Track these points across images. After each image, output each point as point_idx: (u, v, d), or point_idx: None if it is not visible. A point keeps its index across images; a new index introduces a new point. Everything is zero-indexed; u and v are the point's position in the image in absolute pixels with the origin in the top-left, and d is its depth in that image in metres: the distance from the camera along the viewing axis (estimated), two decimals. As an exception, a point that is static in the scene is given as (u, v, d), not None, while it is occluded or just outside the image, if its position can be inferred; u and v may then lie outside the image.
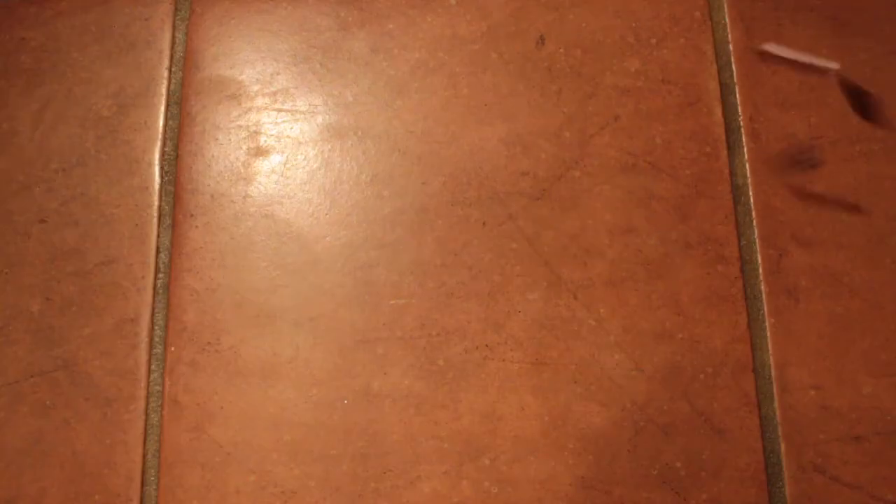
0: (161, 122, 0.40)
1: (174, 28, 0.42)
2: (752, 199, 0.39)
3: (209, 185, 0.40)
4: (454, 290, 0.38)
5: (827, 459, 0.36)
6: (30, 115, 0.40)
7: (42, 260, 0.39)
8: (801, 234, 0.38)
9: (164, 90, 0.41)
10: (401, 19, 0.42)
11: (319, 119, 0.41)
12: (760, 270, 0.38)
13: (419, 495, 0.35)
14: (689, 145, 0.40)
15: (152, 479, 0.36)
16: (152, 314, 0.38)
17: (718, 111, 0.40)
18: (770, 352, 0.37)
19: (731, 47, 0.41)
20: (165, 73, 0.41)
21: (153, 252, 0.39)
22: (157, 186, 0.39)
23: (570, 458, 0.36)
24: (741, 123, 0.40)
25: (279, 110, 0.41)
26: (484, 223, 0.39)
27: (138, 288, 0.38)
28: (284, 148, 0.40)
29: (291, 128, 0.41)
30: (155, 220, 0.39)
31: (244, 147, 0.40)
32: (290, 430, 0.36)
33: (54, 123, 0.40)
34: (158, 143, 0.40)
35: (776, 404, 0.36)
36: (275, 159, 0.40)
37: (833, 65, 0.29)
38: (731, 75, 0.41)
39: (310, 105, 0.41)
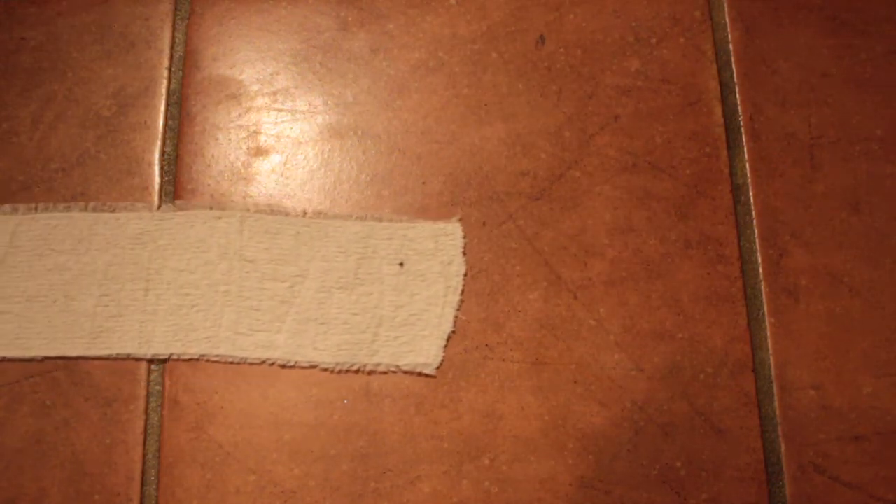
0: (161, 122, 0.40)
1: (174, 28, 0.42)
2: (752, 199, 0.39)
3: (209, 185, 0.40)
4: (454, 290, 0.38)
5: (827, 459, 0.36)
6: (30, 115, 0.41)
7: (42, 260, 0.39)
8: (801, 234, 0.38)
9: (164, 90, 0.41)
10: (401, 19, 0.42)
11: (319, 119, 0.41)
12: (760, 270, 0.38)
13: (419, 495, 0.35)
14: (689, 145, 0.40)
15: (152, 479, 0.36)
16: (152, 314, 0.38)
17: (718, 111, 0.40)
18: (770, 351, 0.37)
19: (731, 47, 0.41)
20: (165, 73, 0.41)
21: (153, 252, 0.39)
22: (157, 186, 0.40)
23: (570, 457, 0.36)
24: (741, 123, 0.40)
25: (279, 110, 0.41)
26: (484, 223, 0.39)
27: (138, 288, 0.38)
28: (284, 148, 0.40)
29: (291, 128, 0.41)
30: (155, 220, 0.39)
31: (244, 147, 0.40)
32: (290, 430, 0.36)
33: (54, 123, 0.40)
34: (158, 143, 0.40)
35: (776, 404, 0.36)
36: (275, 159, 0.40)
37: None
38: (731, 75, 0.41)
39: (310, 105, 0.41)
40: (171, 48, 0.42)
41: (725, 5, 0.42)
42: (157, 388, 0.37)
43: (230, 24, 0.42)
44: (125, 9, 0.42)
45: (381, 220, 0.37)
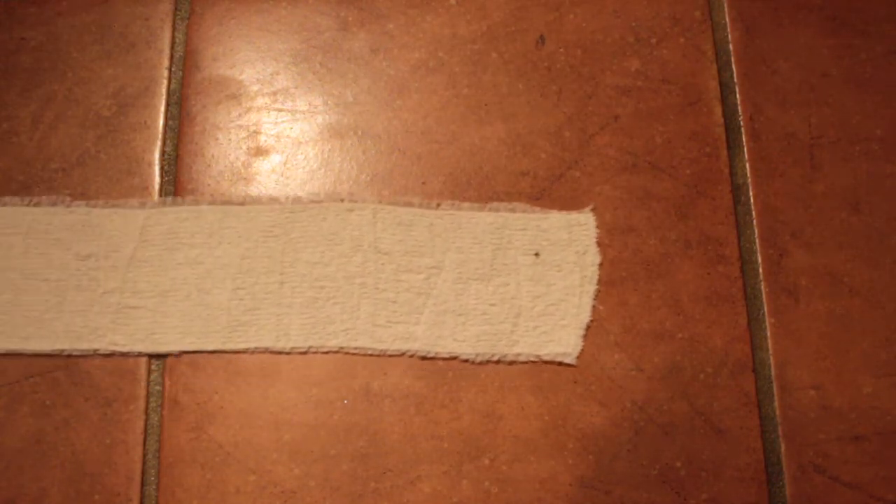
0: (161, 122, 0.40)
1: (174, 28, 0.42)
2: (752, 199, 0.39)
3: (209, 185, 0.40)
4: (454, 290, 0.38)
5: (827, 459, 0.36)
6: (30, 115, 0.41)
7: (42, 260, 0.39)
8: (801, 234, 0.39)
9: (164, 90, 0.41)
10: (401, 19, 0.42)
11: (319, 119, 0.41)
12: (760, 270, 0.38)
13: (419, 495, 0.35)
14: (689, 145, 0.40)
15: (152, 479, 0.36)
16: (152, 314, 0.38)
17: (718, 111, 0.40)
18: (770, 352, 0.37)
19: (731, 47, 0.41)
20: (165, 73, 0.41)
21: (153, 252, 0.39)
22: (157, 186, 0.40)
23: (570, 457, 0.36)
24: (741, 123, 0.40)
25: (279, 110, 0.41)
26: (484, 223, 0.39)
27: (138, 288, 0.38)
28: (284, 148, 0.40)
29: (291, 128, 0.41)
30: (155, 220, 0.39)
31: (244, 147, 0.40)
32: (290, 430, 0.36)
33: (54, 123, 0.40)
34: (158, 143, 0.40)
35: (776, 404, 0.36)
36: (275, 159, 0.40)
37: None
38: (731, 75, 0.41)
39: (310, 105, 0.41)
40: (171, 48, 0.42)
41: (725, 5, 0.42)
42: (157, 388, 0.37)
43: (230, 24, 0.42)
44: (125, 9, 0.42)
45: (514, 210, 0.38)
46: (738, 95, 0.40)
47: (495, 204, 0.38)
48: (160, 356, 0.37)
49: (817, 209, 0.39)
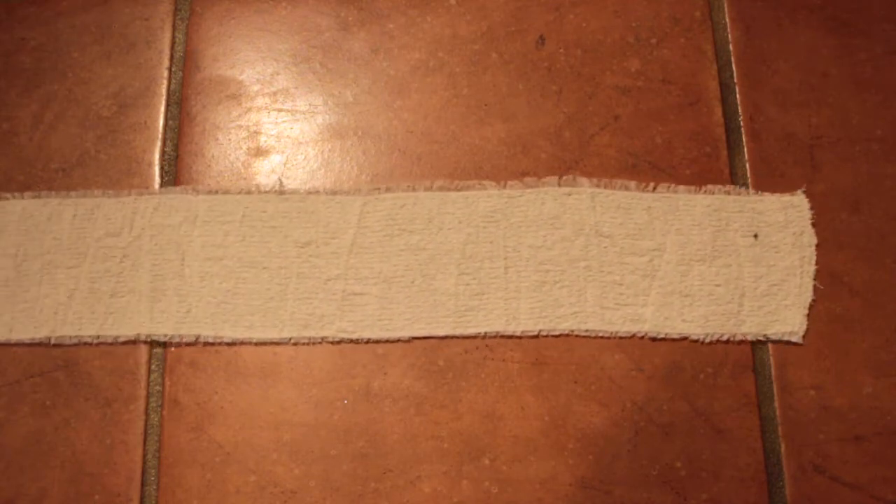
0: (161, 122, 0.40)
1: (174, 28, 0.42)
2: (752, 199, 0.39)
3: (209, 186, 0.40)
4: (454, 290, 0.38)
5: (827, 459, 0.36)
6: (30, 115, 0.41)
7: (42, 260, 0.39)
8: (801, 234, 0.38)
9: (164, 90, 0.41)
10: (401, 19, 0.42)
11: (319, 119, 0.41)
12: (760, 270, 0.38)
13: (419, 495, 0.35)
14: (689, 145, 0.40)
15: (152, 479, 0.36)
16: (152, 314, 0.38)
17: (718, 111, 0.40)
18: (770, 352, 0.37)
19: (731, 47, 0.41)
20: (165, 73, 0.41)
21: (153, 252, 0.39)
22: (157, 186, 0.40)
23: (570, 458, 0.36)
24: (741, 123, 0.40)
25: (279, 110, 0.41)
26: (484, 223, 0.39)
27: (138, 288, 0.38)
28: (284, 148, 0.40)
29: (291, 128, 0.41)
30: (155, 220, 0.39)
31: (244, 147, 0.40)
32: (290, 430, 0.36)
33: (54, 123, 0.40)
34: (158, 143, 0.40)
35: (776, 404, 0.36)
36: (275, 159, 0.40)
37: None
38: (731, 75, 0.41)
39: (310, 105, 0.41)
40: (171, 48, 0.42)
41: (725, 5, 0.42)
42: (157, 388, 0.37)
43: (230, 24, 0.42)
44: (125, 9, 0.42)
45: (728, 193, 0.38)
46: (738, 95, 0.40)
47: (710, 186, 0.38)
48: (160, 351, 0.37)
49: (817, 209, 0.39)
